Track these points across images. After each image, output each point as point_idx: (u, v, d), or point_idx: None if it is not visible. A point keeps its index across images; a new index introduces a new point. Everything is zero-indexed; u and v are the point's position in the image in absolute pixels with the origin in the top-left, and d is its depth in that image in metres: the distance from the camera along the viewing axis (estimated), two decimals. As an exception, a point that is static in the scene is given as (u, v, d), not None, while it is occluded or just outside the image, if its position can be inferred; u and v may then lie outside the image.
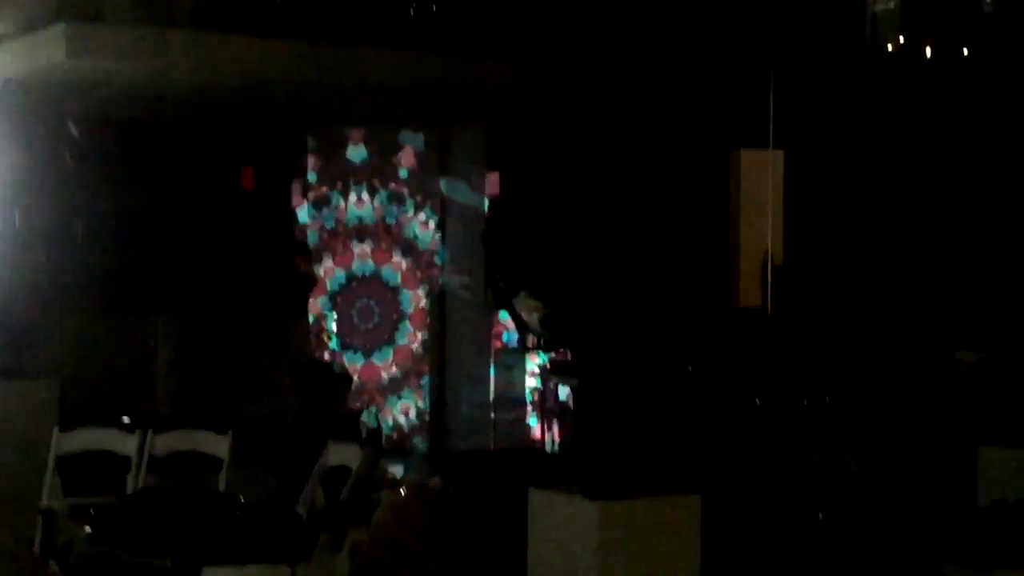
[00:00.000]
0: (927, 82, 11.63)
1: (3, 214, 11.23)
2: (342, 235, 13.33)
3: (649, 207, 11.77)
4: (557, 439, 11.94)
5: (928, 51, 11.70)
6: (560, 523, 6.84)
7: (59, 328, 11.32)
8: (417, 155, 13.45)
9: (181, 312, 11.96)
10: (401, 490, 7.57)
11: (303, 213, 12.99)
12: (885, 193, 11.68)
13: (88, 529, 6.19)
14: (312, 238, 13.04)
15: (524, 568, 7.00)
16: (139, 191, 11.81)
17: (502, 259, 12.64)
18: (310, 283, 12.49)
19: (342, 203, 13.29)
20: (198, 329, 11.93)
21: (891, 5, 11.82)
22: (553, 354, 12.13)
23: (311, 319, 12.72)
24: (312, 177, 13.09)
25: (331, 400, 10.01)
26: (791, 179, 11.34)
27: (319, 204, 13.20)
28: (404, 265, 13.48)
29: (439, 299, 13.60)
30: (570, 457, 7.71)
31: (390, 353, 13.50)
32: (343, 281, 13.40)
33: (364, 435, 10.27)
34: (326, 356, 12.85)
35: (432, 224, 13.53)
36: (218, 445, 7.72)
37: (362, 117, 12.88)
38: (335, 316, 13.27)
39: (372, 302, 13.43)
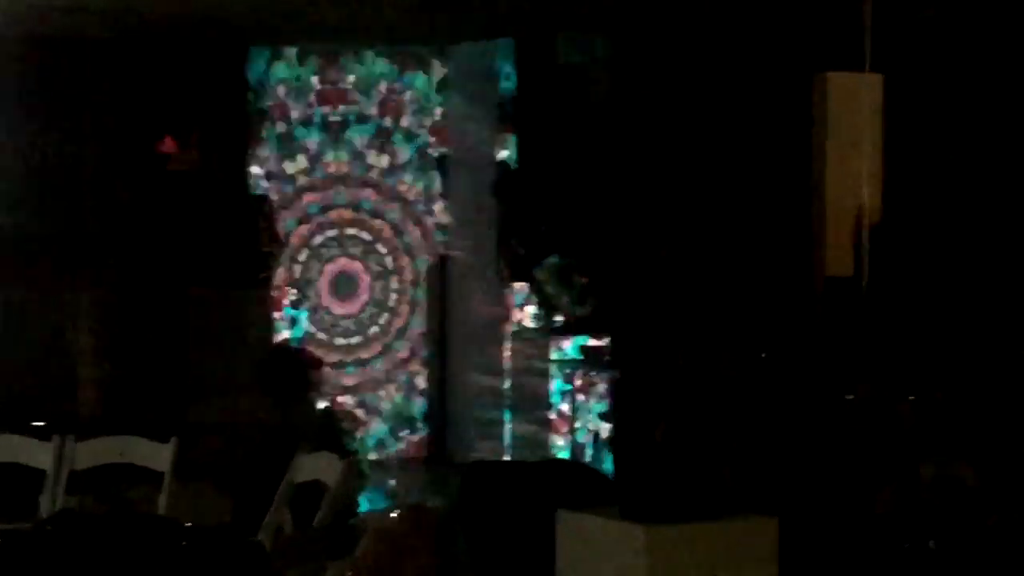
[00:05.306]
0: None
1: None
2: (312, 188, 13.46)
3: (712, 147, 11.75)
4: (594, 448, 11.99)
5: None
6: (598, 553, 6.90)
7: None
8: (409, 83, 13.54)
9: (109, 286, 12.04)
10: (393, 513, 7.60)
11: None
12: (1015, 131, 11.57)
13: (-8, 562, 6.39)
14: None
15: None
16: (56, 131, 11.91)
17: (521, 216, 12.71)
18: (272, 246, 12.60)
19: (312, 145, 13.39)
20: (130, 308, 12.01)
21: None
22: (589, 339, 12.25)
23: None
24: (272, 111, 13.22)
25: (301, 397, 10.09)
26: (893, 111, 11.28)
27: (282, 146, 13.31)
28: (390, 226, 13.61)
29: (439, 269, 13.63)
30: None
31: (373, 336, 13.65)
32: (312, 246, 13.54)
33: (343, 441, 10.29)
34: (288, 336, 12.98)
35: (429, 173, 13.63)
36: (157, 456, 7.63)
37: (336, 34, 12.85)
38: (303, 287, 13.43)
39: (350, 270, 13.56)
